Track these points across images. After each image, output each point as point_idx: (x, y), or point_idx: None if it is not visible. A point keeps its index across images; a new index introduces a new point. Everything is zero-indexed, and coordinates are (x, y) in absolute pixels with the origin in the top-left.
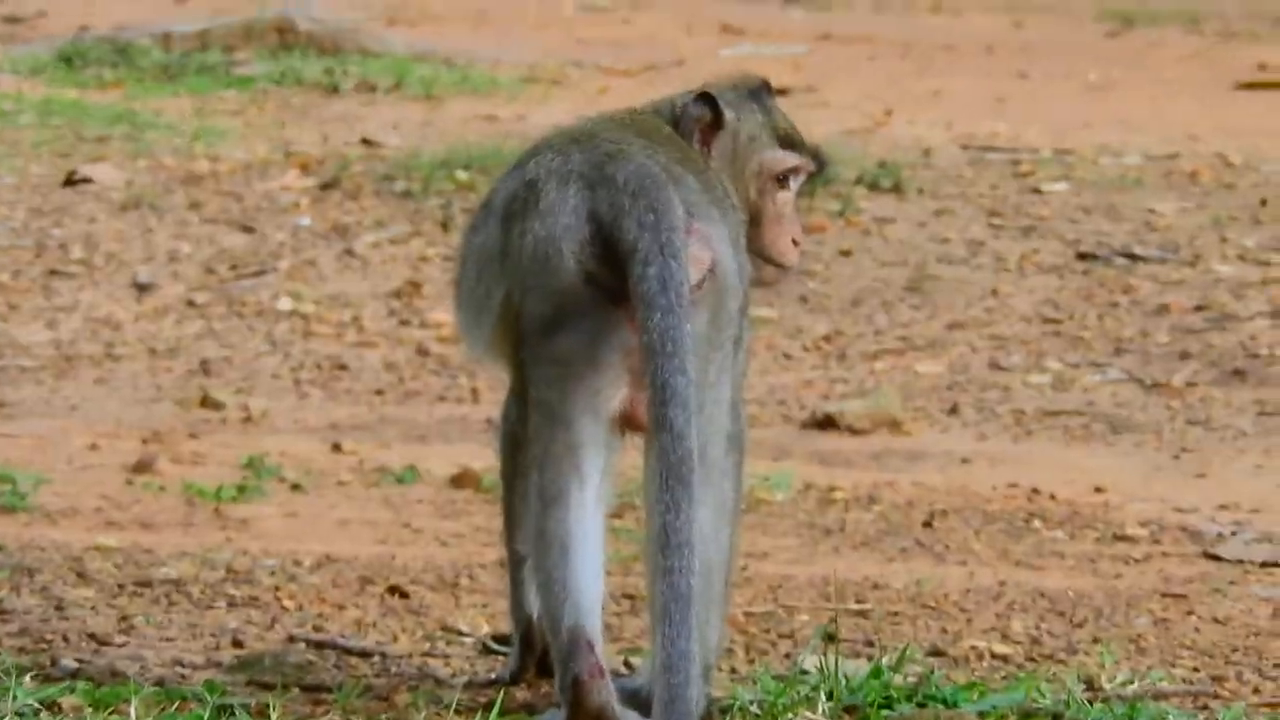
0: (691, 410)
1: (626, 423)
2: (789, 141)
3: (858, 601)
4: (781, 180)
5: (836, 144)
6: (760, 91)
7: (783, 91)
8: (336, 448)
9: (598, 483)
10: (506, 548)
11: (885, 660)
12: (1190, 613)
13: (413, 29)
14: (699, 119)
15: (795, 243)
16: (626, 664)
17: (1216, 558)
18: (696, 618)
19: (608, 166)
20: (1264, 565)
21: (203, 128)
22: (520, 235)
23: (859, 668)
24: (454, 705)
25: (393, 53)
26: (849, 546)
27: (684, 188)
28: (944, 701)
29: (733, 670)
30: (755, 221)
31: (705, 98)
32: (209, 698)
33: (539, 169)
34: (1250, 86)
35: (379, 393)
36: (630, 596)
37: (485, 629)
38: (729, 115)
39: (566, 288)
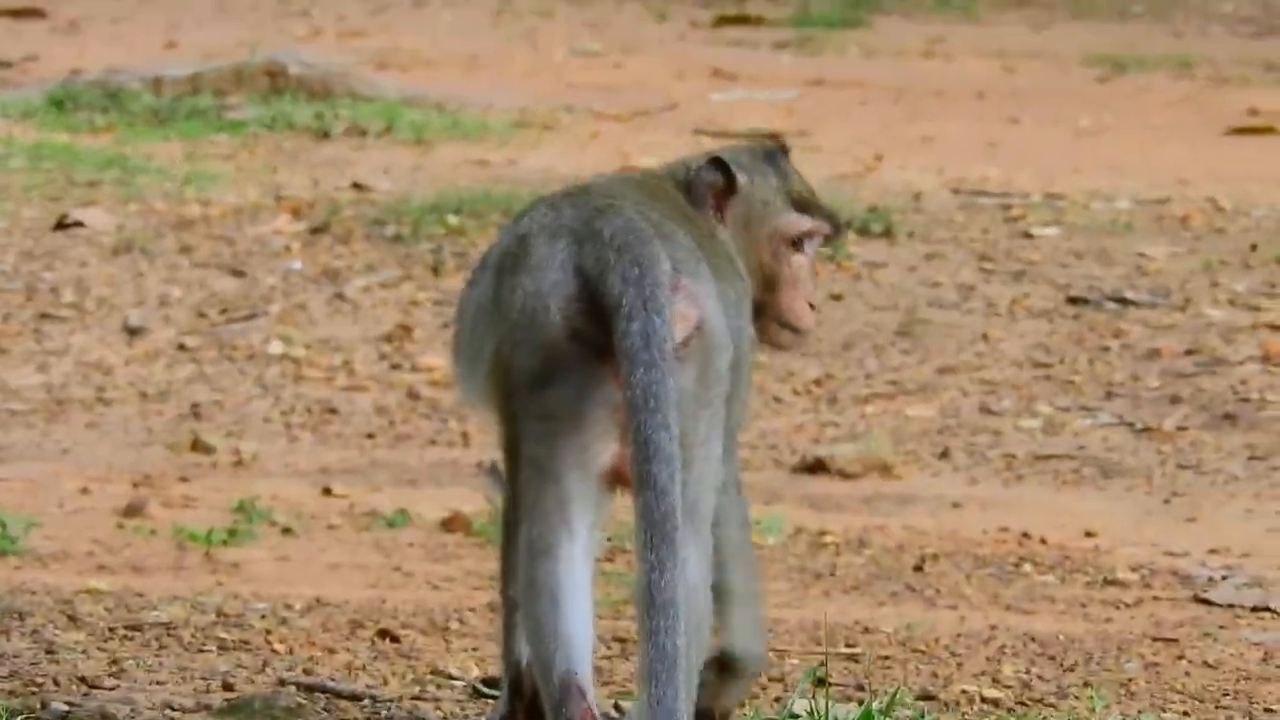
0: (675, 466)
1: (617, 478)
2: (804, 205)
3: (848, 645)
4: (796, 244)
5: (828, 189)
6: (775, 154)
7: (774, 136)
8: (327, 491)
9: (586, 536)
10: (501, 594)
11: (876, 704)
12: (1181, 657)
13: (404, 73)
14: (711, 184)
15: (811, 306)
16: (616, 707)
17: (1207, 602)
18: (688, 667)
19: (596, 221)
20: (1254, 609)
21: (194, 172)
22: (510, 290)
23: (850, 711)
24: None
25: (383, 97)
26: (840, 590)
27: (673, 244)
28: None
29: None
30: (770, 286)
31: (717, 163)
32: None
33: (531, 224)
34: (1240, 131)
35: (370, 436)
36: (621, 640)
37: (475, 673)
38: (742, 180)
39: (553, 342)
